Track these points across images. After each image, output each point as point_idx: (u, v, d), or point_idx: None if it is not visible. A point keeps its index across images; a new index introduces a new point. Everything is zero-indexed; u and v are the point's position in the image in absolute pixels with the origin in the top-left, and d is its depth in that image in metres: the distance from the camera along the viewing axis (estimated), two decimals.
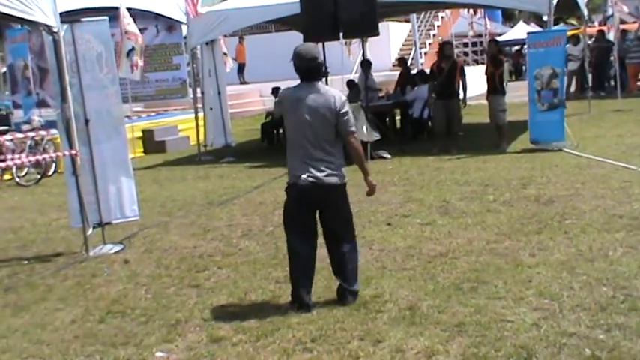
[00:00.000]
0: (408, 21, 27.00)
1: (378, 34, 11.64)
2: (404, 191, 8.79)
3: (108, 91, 7.24)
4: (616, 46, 18.69)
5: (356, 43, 15.57)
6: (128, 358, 4.43)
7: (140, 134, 15.37)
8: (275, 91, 13.75)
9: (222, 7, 13.96)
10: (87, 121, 7.11)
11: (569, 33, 17.15)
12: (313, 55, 4.84)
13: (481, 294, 4.98)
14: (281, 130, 13.27)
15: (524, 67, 25.46)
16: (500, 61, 11.86)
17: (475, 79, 17.93)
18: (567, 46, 13.21)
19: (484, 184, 8.77)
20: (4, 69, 17.15)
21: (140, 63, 13.17)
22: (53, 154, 10.20)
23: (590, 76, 18.60)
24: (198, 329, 4.78)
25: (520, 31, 29.30)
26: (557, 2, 11.41)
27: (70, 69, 6.94)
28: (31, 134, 10.12)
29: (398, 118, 14.93)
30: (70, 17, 7.60)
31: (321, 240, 5.05)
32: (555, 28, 13.64)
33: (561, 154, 10.51)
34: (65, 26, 6.94)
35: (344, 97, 4.90)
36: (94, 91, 7.14)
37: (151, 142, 15.39)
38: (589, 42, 19.98)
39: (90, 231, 7.07)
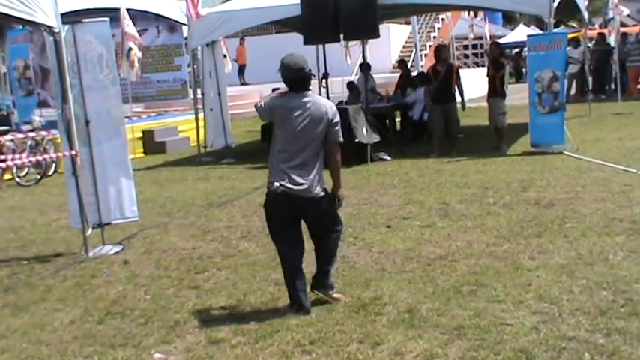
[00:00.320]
0: (408, 23, 26.99)
1: (378, 36, 11.64)
2: (404, 193, 8.78)
3: (108, 92, 7.24)
4: (616, 49, 18.69)
5: (355, 45, 15.54)
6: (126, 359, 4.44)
7: (140, 135, 15.34)
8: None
9: (223, 9, 13.97)
10: (87, 122, 7.11)
11: (570, 36, 17.12)
12: (300, 65, 4.83)
13: (480, 297, 4.98)
14: None
15: (524, 70, 25.49)
16: (502, 64, 11.83)
17: (475, 82, 17.95)
18: (568, 49, 13.18)
19: (484, 187, 8.76)
20: (4, 69, 17.14)
21: (136, 64, 13.18)
22: (53, 155, 10.20)
23: (590, 79, 18.62)
24: (196, 331, 4.78)
25: (520, 33, 29.35)
26: (558, 5, 11.39)
27: (71, 70, 6.94)
28: (32, 134, 10.12)
29: (398, 120, 14.93)
30: (71, 18, 7.59)
31: None
32: (556, 30, 13.65)
33: (561, 157, 10.50)
34: (66, 27, 6.93)
35: (334, 108, 4.93)
36: (95, 91, 7.14)
37: (151, 143, 15.36)
38: (589, 45, 20.01)
39: (89, 231, 7.06)
